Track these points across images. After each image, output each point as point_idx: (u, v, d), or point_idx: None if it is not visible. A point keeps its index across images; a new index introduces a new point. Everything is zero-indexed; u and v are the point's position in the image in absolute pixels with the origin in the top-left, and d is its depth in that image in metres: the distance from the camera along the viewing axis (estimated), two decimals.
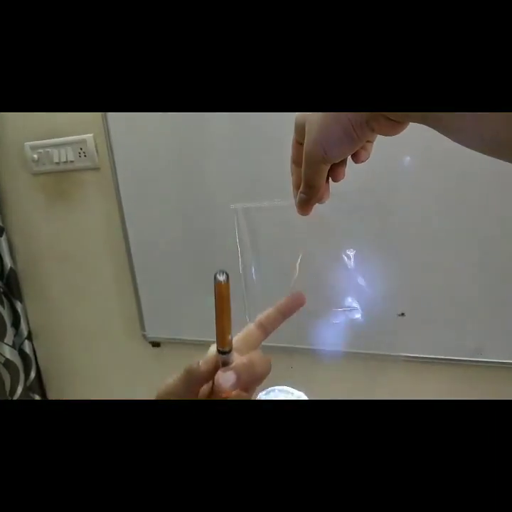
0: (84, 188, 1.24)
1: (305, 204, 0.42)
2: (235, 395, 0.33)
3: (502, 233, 0.91)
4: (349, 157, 0.39)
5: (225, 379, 0.33)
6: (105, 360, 1.42)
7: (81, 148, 1.20)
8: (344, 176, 0.41)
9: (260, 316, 0.40)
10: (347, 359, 1.06)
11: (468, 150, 0.30)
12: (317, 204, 0.43)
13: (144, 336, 1.28)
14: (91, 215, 1.25)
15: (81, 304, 1.36)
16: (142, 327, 1.27)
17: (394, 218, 0.96)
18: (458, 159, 0.87)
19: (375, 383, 1.06)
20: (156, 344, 1.30)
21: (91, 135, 1.18)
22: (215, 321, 0.32)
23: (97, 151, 1.19)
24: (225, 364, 0.34)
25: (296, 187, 0.43)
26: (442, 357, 1.02)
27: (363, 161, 0.40)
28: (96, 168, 1.21)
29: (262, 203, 0.54)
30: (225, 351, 0.33)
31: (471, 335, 0.99)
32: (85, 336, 1.41)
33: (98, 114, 1.12)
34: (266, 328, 0.40)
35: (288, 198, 0.44)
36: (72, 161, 1.22)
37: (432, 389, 1.07)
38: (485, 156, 0.30)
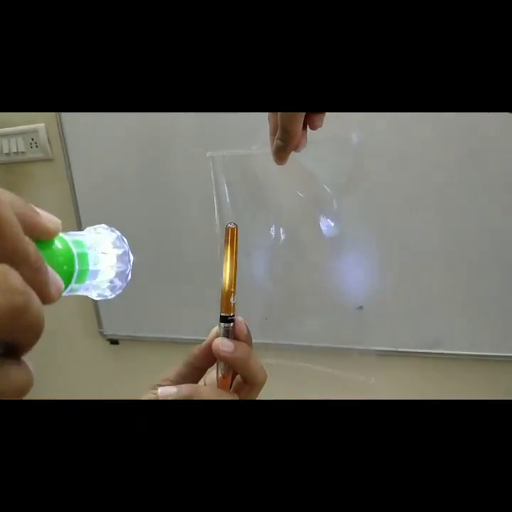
0: (36, 181, 1.19)
1: (281, 151, 0.41)
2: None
3: (458, 225, 0.92)
4: None
5: (224, 344, 0.33)
6: (62, 358, 1.37)
7: (32, 139, 1.14)
8: (322, 123, 0.41)
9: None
10: (305, 352, 1.07)
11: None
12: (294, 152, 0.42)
13: (102, 333, 1.25)
14: (43, 209, 1.19)
15: None
16: (99, 324, 1.24)
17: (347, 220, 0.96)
18: (428, 151, 0.88)
19: (333, 376, 1.07)
20: (114, 342, 1.26)
21: (43, 125, 1.13)
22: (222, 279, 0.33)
23: (49, 142, 1.14)
24: (227, 336, 0.34)
25: (273, 134, 0.42)
26: (401, 349, 1.03)
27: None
28: (48, 160, 1.16)
29: (238, 151, 0.53)
30: (227, 318, 0.33)
31: (429, 327, 1.00)
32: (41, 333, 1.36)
33: None
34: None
35: (265, 146, 0.44)
36: (23, 152, 1.16)
37: (390, 382, 1.08)
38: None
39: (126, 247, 0.30)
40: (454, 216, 0.92)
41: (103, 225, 0.30)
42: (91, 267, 0.27)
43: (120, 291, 0.30)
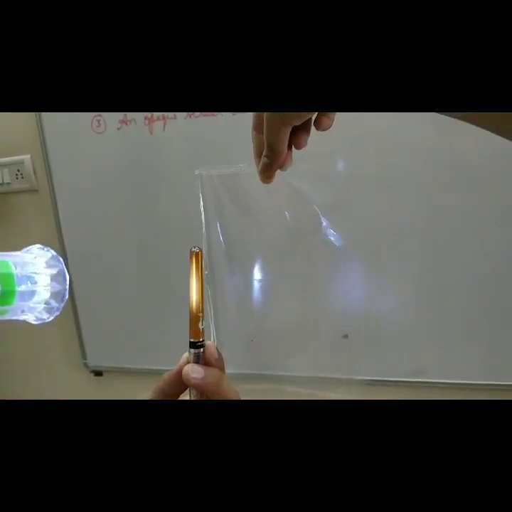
0: (21, 211, 1.19)
1: (268, 169, 0.42)
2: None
3: (442, 255, 0.93)
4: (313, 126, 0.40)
5: (194, 370, 0.32)
6: (44, 389, 1.34)
7: (18, 170, 1.15)
8: (306, 144, 0.41)
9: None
10: (289, 381, 1.06)
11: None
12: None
13: (86, 365, 1.23)
14: (28, 239, 1.19)
15: (18, 331, 1.29)
16: (83, 355, 1.22)
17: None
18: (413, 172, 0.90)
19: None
20: (98, 373, 1.24)
21: (28, 156, 1.13)
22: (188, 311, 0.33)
23: (34, 173, 1.14)
24: (197, 362, 0.33)
25: (258, 155, 0.43)
26: (385, 379, 1.03)
27: (324, 129, 0.40)
28: (34, 191, 1.16)
29: (227, 169, 0.54)
30: (196, 344, 0.33)
31: (412, 356, 1.01)
32: (23, 364, 1.33)
33: (36, 134, 1.08)
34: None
35: (253, 165, 0.44)
36: (8, 183, 1.17)
37: None
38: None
39: (62, 267, 0.29)
40: (436, 245, 0.93)
41: (37, 245, 0.29)
42: (18, 288, 0.26)
43: (58, 313, 0.29)
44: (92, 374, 1.24)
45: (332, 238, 0.95)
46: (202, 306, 0.33)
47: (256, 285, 1.00)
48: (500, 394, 0.97)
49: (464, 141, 0.84)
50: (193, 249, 0.33)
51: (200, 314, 0.33)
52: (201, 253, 0.33)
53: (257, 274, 0.98)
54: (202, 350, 0.34)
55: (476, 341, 0.96)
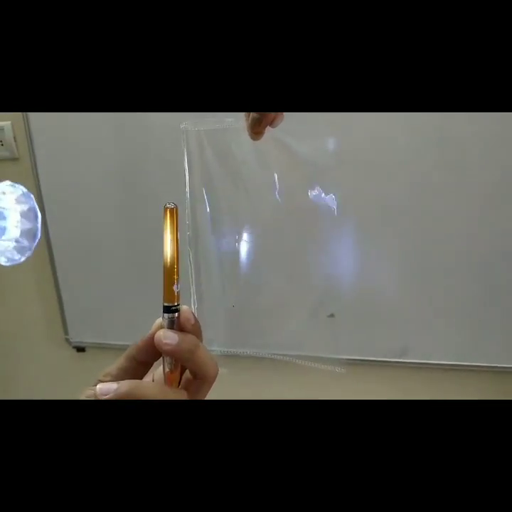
0: (1, 179, 1.14)
1: (257, 125, 0.40)
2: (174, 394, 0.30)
3: (427, 234, 0.93)
4: None
5: (167, 336, 0.30)
6: (26, 366, 1.32)
7: None
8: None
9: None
10: (273, 361, 1.05)
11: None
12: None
13: (68, 340, 1.21)
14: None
15: None
16: (65, 331, 1.19)
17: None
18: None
19: (302, 385, 1.06)
20: (80, 349, 1.22)
21: (9, 123, 1.09)
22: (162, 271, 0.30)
23: (15, 140, 1.10)
24: (171, 328, 0.31)
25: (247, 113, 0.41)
26: (370, 358, 1.04)
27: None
28: (14, 159, 1.12)
29: (214, 124, 0.52)
30: (171, 307, 0.31)
31: (397, 336, 1.01)
32: (3, 340, 1.30)
33: None
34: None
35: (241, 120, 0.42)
36: None
37: (359, 390, 1.08)
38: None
39: (33, 203, 0.27)
40: (424, 224, 0.93)
41: (7, 182, 0.27)
42: None
43: (30, 253, 0.27)
44: (75, 350, 1.22)
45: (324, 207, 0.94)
46: (177, 267, 0.31)
47: (242, 252, 0.99)
48: (486, 375, 0.98)
49: (453, 118, 0.84)
50: (168, 205, 0.30)
51: (175, 276, 0.31)
52: (176, 209, 0.31)
53: (243, 238, 0.96)
54: (176, 315, 0.31)
55: (463, 322, 0.97)
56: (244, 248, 0.97)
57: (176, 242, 0.31)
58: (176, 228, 0.31)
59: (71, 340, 1.20)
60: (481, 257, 0.92)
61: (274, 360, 1.02)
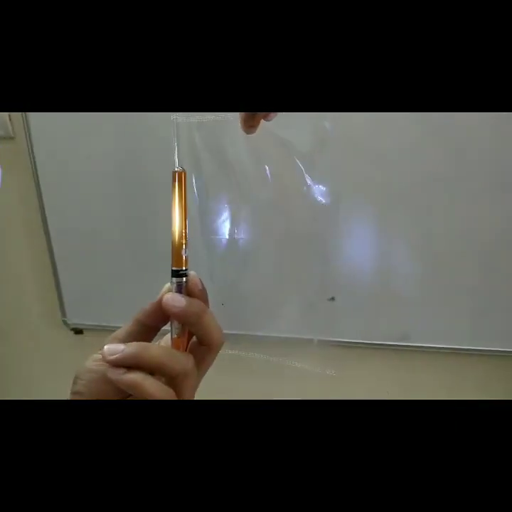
0: None
1: (251, 118, 0.39)
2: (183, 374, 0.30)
3: (430, 220, 0.92)
4: None
5: (175, 299, 0.30)
6: (23, 348, 1.32)
7: None
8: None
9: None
10: (274, 343, 1.05)
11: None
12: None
13: (65, 323, 1.20)
14: (4, 191, 1.13)
15: None
16: (63, 313, 1.19)
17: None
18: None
19: (302, 368, 1.06)
20: (78, 331, 1.22)
21: None
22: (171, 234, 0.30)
23: (10, 118, 1.07)
24: (179, 292, 0.31)
25: None
26: (370, 342, 1.03)
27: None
28: (9, 138, 1.09)
29: (206, 117, 0.51)
30: (179, 272, 0.31)
31: (398, 320, 1.01)
32: (1, 323, 1.30)
33: None
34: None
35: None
36: None
37: (359, 374, 1.08)
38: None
39: None
40: (425, 210, 0.92)
41: None
42: None
43: None
44: (72, 332, 1.22)
45: (317, 196, 0.93)
46: (185, 232, 0.31)
47: (236, 243, 0.98)
48: (486, 359, 0.98)
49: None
50: (176, 168, 0.30)
51: (183, 241, 0.31)
52: (185, 173, 0.30)
53: (237, 227, 0.96)
54: (184, 280, 0.31)
55: (463, 306, 0.96)
56: (234, 246, 0.96)
57: (185, 207, 0.31)
58: (184, 193, 0.31)
59: (69, 322, 1.20)
60: (483, 243, 0.91)
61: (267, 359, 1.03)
